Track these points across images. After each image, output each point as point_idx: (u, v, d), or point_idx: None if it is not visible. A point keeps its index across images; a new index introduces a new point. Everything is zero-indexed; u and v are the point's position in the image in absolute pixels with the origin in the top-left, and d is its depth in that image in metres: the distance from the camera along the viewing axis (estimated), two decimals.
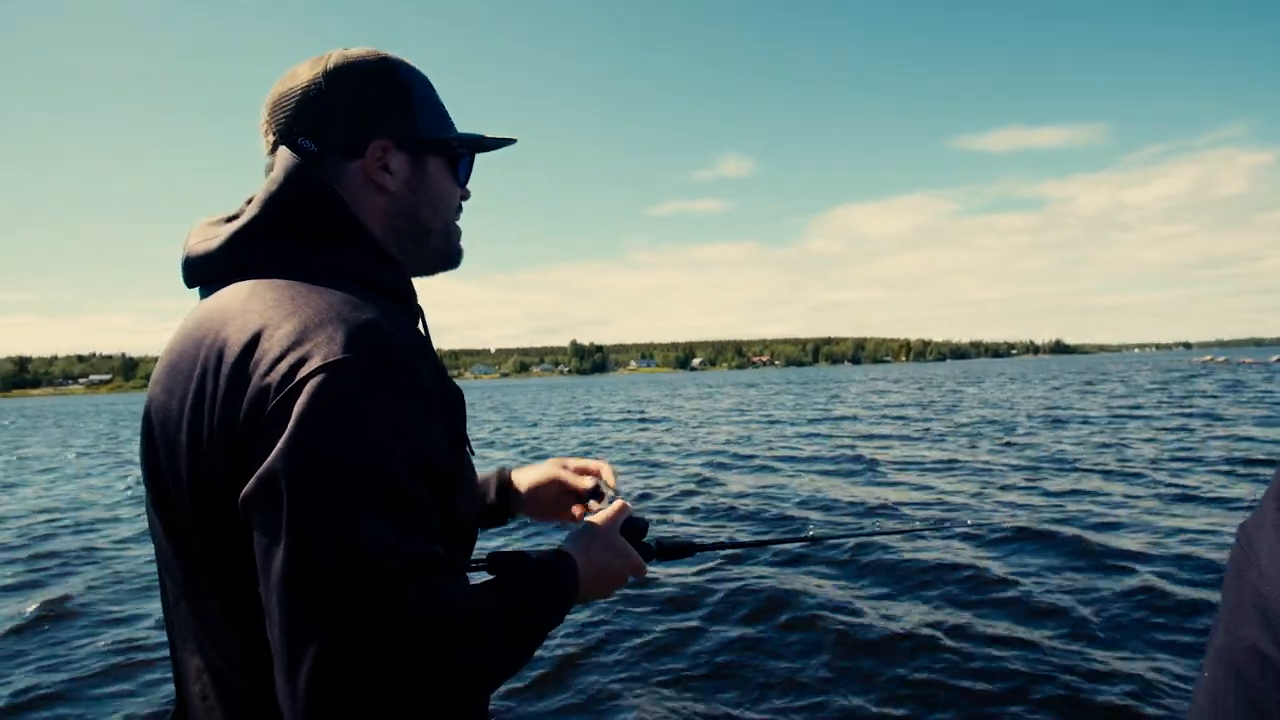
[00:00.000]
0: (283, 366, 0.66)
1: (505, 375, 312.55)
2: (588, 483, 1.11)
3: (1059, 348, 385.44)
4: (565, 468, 1.14)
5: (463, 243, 0.96)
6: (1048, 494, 7.20)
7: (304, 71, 0.84)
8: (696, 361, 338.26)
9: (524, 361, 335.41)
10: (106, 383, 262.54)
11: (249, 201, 0.82)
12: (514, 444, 15.62)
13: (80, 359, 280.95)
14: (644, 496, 8.01)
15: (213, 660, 0.75)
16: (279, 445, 0.63)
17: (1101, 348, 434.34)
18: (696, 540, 1.07)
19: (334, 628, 0.60)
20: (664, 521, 6.76)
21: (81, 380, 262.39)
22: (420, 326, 0.88)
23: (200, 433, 0.70)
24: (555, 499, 1.14)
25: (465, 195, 0.95)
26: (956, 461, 9.69)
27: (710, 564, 4.95)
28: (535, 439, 16.56)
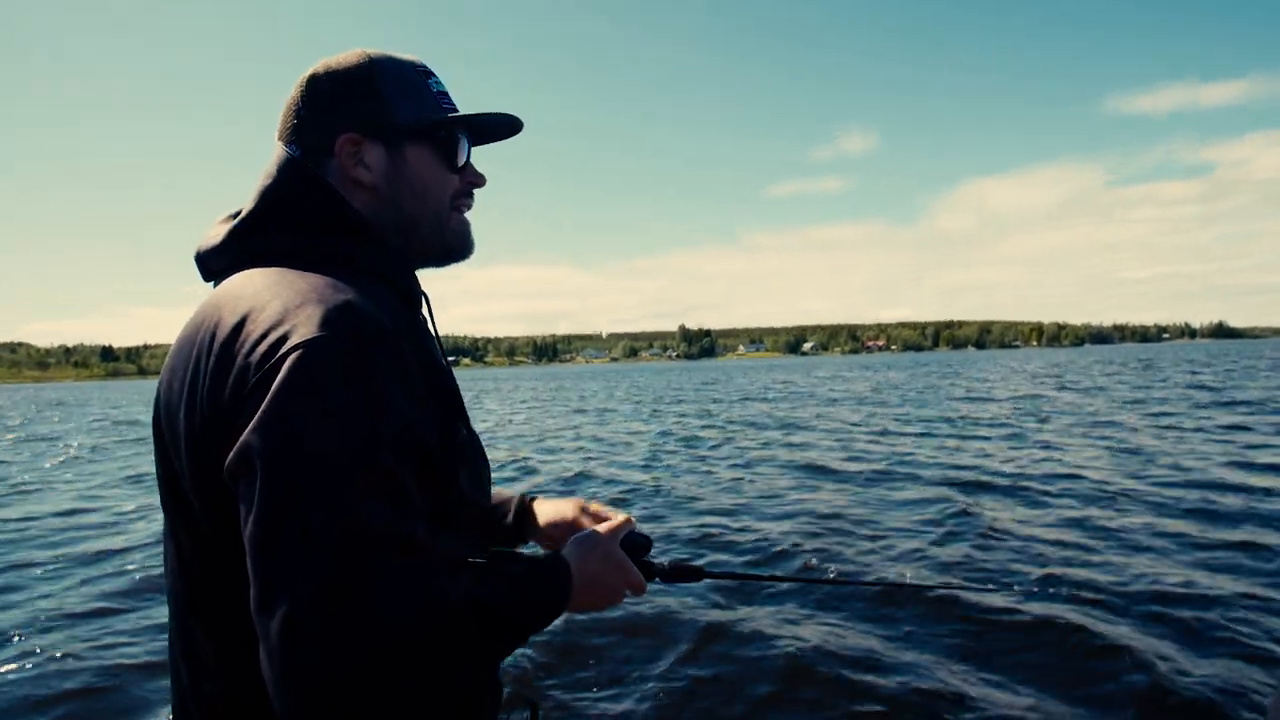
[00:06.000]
0: (264, 345, 0.70)
1: (615, 360, 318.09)
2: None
3: (1221, 331, 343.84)
4: (585, 511, 1.13)
5: (473, 231, 0.95)
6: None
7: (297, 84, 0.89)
8: (808, 346, 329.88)
9: (633, 346, 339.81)
10: None
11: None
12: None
13: None
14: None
15: (220, 636, 0.77)
16: (255, 418, 0.67)
17: (1277, 331, 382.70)
18: (706, 567, 1.06)
19: (297, 594, 0.61)
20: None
21: None
22: (425, 309, 0.92)
23: (195, 411, 0.74)
24: (567, 539, 1.14)
25: (476, 181, 0.95)
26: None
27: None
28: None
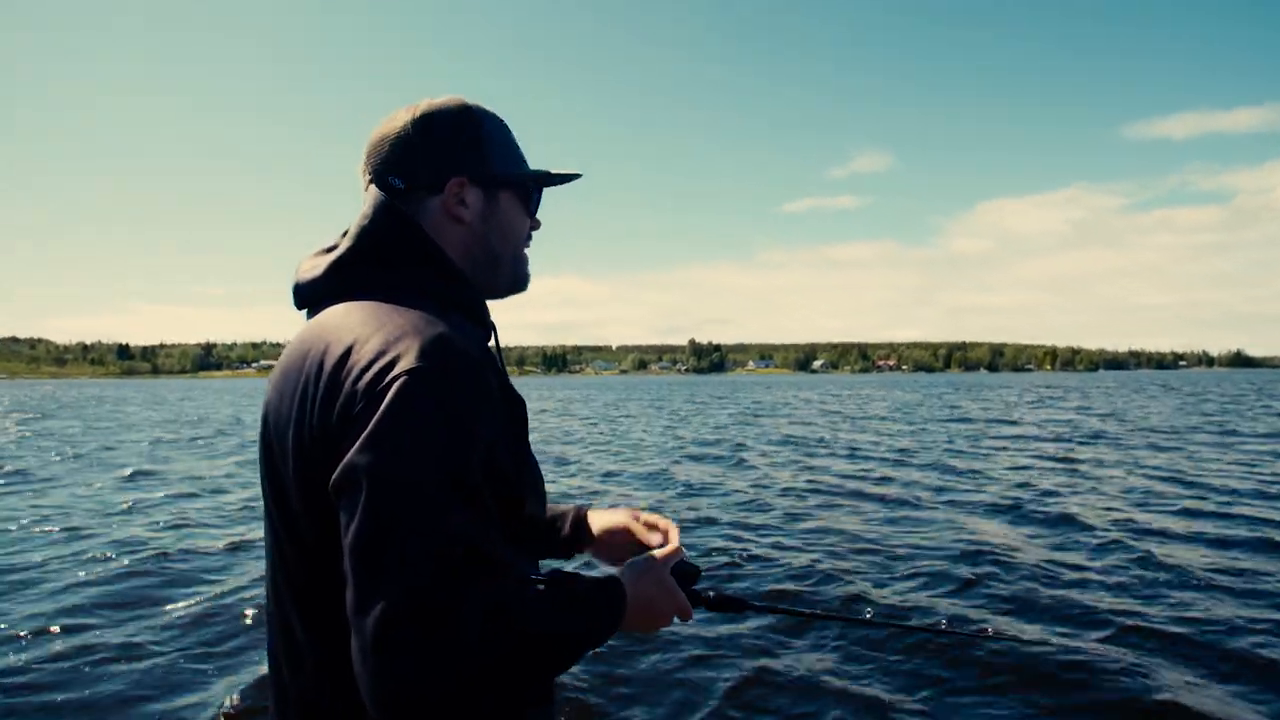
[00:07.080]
0: (370, 374, 0.78)
1: (624, 372, 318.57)
2: (655, 539, 1.14)
3: (1239, 360, 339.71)
4: (636, 519, 1.19)
5: (530, 269, 1.07)
6: None
7: (399, 118, 0.97)
8: (818, 364, 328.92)
9: (643, 359, 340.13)
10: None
11: (344, 234, 0.95)
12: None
13: (254, 345, 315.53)
14: None
15: (319, 640, 0.84)
16: (360, 439, 0.74)
17: None
18: (751, 599, 1.09)
19: (393, 608, 0.68)
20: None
21: (254, 365, 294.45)
22: (492, 339, 1.01)
23: (304, 430, 0.82)
24: (622, 546, 1.19)
25: (535, 225, 1.07)
26: None
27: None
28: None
